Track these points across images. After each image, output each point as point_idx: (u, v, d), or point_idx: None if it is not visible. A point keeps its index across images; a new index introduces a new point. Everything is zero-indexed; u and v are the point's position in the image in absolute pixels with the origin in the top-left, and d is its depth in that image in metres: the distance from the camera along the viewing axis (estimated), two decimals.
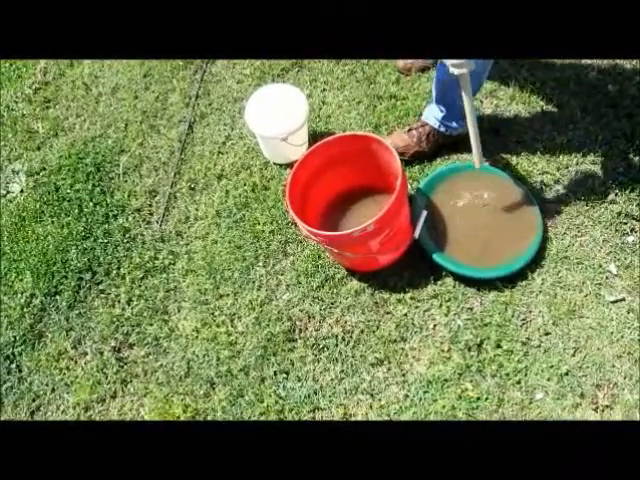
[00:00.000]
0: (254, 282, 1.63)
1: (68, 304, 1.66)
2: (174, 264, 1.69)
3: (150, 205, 1.81)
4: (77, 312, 1.65)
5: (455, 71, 1.29)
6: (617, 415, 1.35)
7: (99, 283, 1.68)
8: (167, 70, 2.04)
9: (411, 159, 1.70)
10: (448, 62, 1.30)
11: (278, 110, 1.65)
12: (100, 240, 1.75)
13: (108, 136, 1.95)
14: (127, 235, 1.75)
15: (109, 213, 1.79)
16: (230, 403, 1.47)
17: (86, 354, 1.59)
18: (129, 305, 1.64)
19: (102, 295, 1.67)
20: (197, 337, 1.58)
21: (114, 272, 1.69)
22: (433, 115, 1.65)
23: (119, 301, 1.65)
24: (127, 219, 1.78)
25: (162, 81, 2.03)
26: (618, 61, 1.81)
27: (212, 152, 1.86)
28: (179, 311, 1.62)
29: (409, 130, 1.69)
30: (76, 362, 1.58)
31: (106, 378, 1.55)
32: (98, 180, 1.86)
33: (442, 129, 1.65)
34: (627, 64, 1.80)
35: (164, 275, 1.68)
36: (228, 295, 1.62)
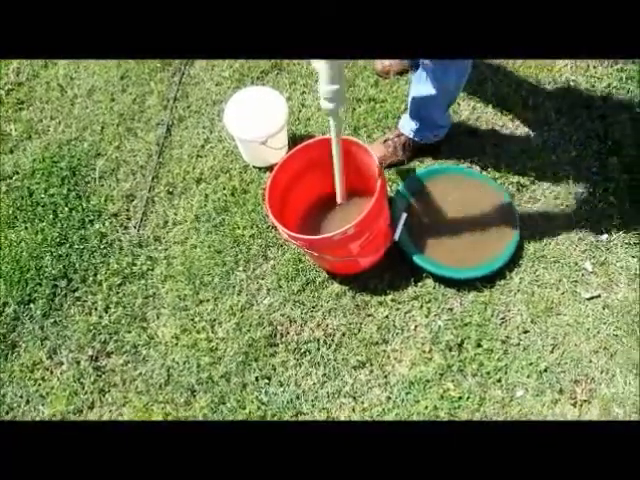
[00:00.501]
0: (234, 287, 1.61)
1: (43, 312, 1.62)
2: (152, 270, 1.67)
3: (127, 210, 1.78)
4: (52, 321, 1.61)
5: (327, 105, 1.22)
6: (595, 409, 1.38)
7: (75, 290, 1.65)
8: (144, 72, 2.02)
9: (388, 168, 1.72)
10: (321, 92, 1.19)
11: (257, 113, 1.64)
12: (76, 246, 1.71)
13: (84, 139, 1.91)
14: (104, 241, 1.72)
15: (85, 218, 1.76)
16: (211, 410, 1.46)
17: (62, 364, 1.55)
18: (106, 312, 1.61)
19: (78, 303, 1.63)
20: (177, 344, 1.55)
21: (90, 279, 1.66)
22: (408, 126, 1.66)
23: (96, 308, 1.62)
24: (104, 224, 1.75)
25: (139, 83, 2.01)
26: (591, 63, 1.84)
27: (191, 155, 1.84)
28: (158, 318, 1.60)
29: (385, 141, 1.71)
30: (51, 372, 1.55)
31: (83, 388, 1.51)
32: (73, 184, 1.82)
33: (417, 139, 1.67)
34: (599, 66, 1.84)
35: (142, 281, 1.65)
36: (208, 301, 1.60)
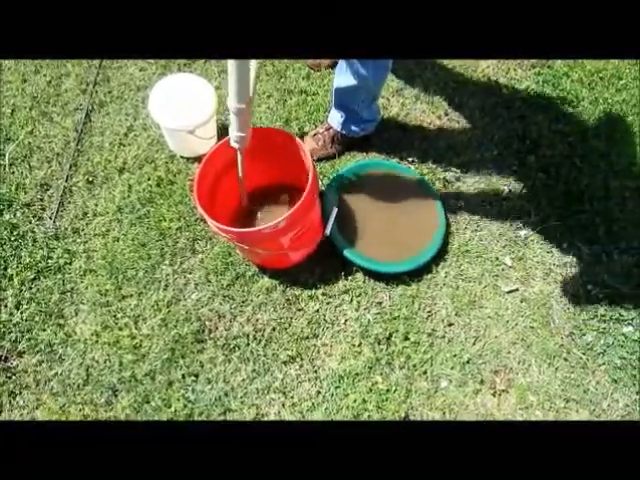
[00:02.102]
0: (160, 282, 1.55)
1: None
2: (70, 264, 1.57)
3: (42, 199, 1.66)
4: None
5: (235, 145, 1.33)
6: (512, 398, 1.45)
7: None
8: None
9: (319, 161, 1.71)
10: (231, 136, 1.32)
11: (185, 101, 1.57)
12: None
13: None
14: (15, 232, 1.59)
15: None
16: (135, 410, 1.40)
17: None
18: (18, 309, 1.50)
19: None
20: (97, 341, 1.47)
21: None
22: (336, 118, 1.67)
23: (6, 305, 1.50)
24: (15, 215, 1.62)
25: (54, 64, 1.87)
26: (511, 66, 1.93)
27: (112, 143, 1.74)
28: (76, 314, 1.51)
29: (315, 134, 1.71)
30: None
31: None
32: None
33: (344, 131, 1.68)
34: (519, 69, 1.93)
35: (59, 275, 1.55)
36: (132, 296, 1.53)
